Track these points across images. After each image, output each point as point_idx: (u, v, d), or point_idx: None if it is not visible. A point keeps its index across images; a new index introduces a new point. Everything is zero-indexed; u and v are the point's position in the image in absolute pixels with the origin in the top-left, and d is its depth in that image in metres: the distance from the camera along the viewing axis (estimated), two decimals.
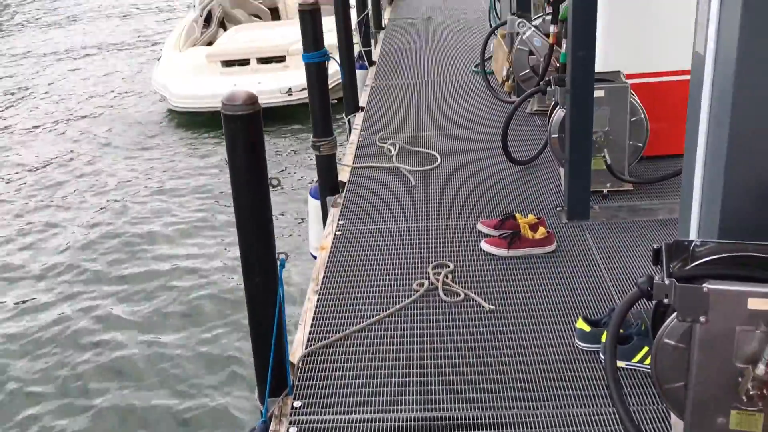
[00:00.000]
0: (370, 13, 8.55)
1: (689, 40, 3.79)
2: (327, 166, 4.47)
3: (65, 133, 9.57)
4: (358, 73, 6.84)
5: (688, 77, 2.20)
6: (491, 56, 6.37)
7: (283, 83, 8.26)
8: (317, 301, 3.29)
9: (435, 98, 6.18)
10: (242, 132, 2.18)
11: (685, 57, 4.05)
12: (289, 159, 8.12)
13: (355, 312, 3.17)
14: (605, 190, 3.95)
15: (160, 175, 7.90)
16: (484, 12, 8.70)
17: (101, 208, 7.25)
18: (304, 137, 8.26)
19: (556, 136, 3.94)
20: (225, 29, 10.99)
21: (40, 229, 6.91)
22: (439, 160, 4.76)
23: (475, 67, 6.83)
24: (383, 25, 9.35)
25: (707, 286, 1.76)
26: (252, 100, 2.24)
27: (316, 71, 4.21)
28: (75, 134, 9.45)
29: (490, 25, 7.63)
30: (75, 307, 5.51)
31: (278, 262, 2.44)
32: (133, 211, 7.08)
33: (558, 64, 4.72)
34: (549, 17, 4.88)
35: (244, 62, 9.07)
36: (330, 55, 4.29)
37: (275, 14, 11.76)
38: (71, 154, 8.80)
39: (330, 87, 4.50)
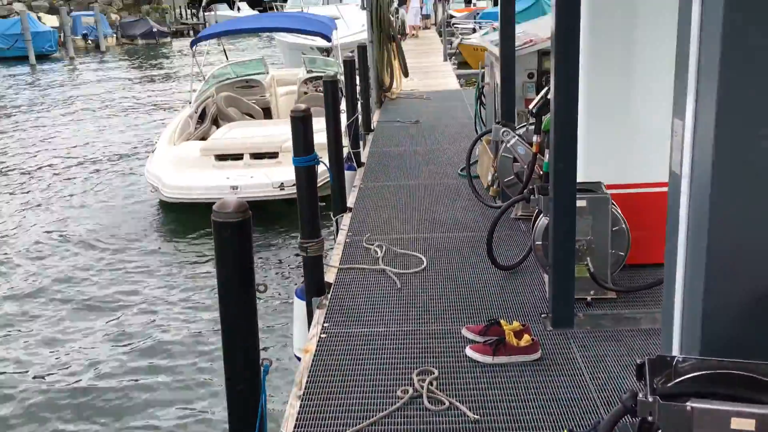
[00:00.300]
0: (360, 116, 8.84)
1: (668, 154, 3.93)
2: (313, 266, 4.49)
3: (55, 221, 9.60)
4: (347, 173, 7.01)
5: (666, 189, 2.28)
6: (477, 161, 6.55)
7: (276, 178, 8.38)
8: (300, 407, 3.23)
9: (421, 201, 6.30)
10: (231, 240, 2.22)
11: (664, 170, 4.19)
12: (276, 257, 8.14)
13: (338, 419, 3.11)
14: (589, 298, 3.99)
15: (144, 277, 7.85)
16: (470, 117, 9.03)
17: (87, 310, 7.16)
18: (292, 234, 8.32)
19: (540, 243, 4.01)
20: (218, 126, 11.24)
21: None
22: (425, 263, 4.80)
23: (461, 171, 7.00)
24: (372, 128, 9.63)
25: (691, 404, 1.76)
26: (242, 207, 2.29)
27: (305, 175, 4.30)
28: (59, 224, 9.48)
29: (476, 131, 7.91)
30: None
31: (262, 369, 2.42)
32: (113, 308, 7.01)
33: (541, 172, 4.86)
34: (532, 127, 5.07)
35: (237, 157, 9.23)
36: (320, 159, 4.40)
37: (267, 114, 12.08)
38: (58, 243, 8.78)
39: (319, 185, 4.58)
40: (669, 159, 2.34)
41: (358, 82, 8.89)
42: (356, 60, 8.93)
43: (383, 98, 11.49)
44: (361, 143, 8.51)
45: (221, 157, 9.18)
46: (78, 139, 15.05)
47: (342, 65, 11.13)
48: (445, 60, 18.03)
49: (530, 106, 4.86)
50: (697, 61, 2.09)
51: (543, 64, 5.75)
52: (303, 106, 4.27)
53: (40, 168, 12.70)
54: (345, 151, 7.27)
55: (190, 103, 10.76)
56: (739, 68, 1.87)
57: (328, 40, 9.82)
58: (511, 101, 5.72)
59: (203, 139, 10.32)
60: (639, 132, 4.16)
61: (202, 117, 11.14)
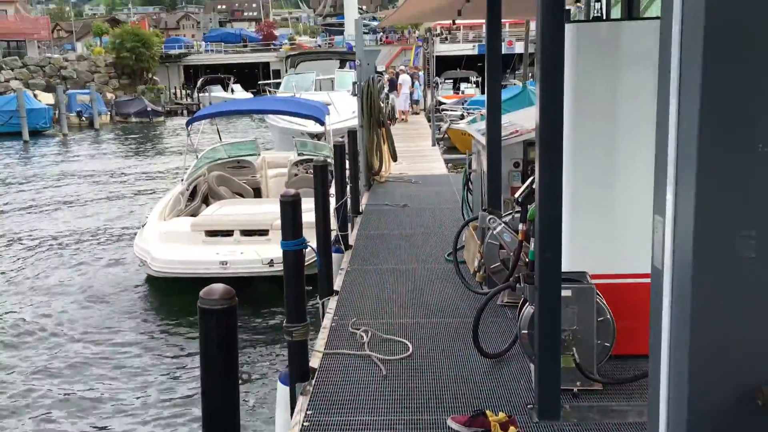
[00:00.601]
0: (349, 199, 8.94)
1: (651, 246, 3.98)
2: (298, 351, 4.44)
3: (40, 296, 9.49)
4: (334, 256, 7.03)
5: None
6: (464, 246, 6.60)
7: (265, 255, 8.36)
8: None
9: (408, 285, 6.30)
10: (217, 328, 2.21)
11: (648, 261, 4.25)
12: (262, 337, 8.04)
13: None
14: (575, 389, 3.95)
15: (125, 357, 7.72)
16: (457, 202, 9.13)
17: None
18: (279, 313, 8.25)
19: (526, 332, 4.01)
20: (208, 205, 11.31)
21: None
22: (410, 350, 4.77)
23: (448, 256, 7.04)
24: (361, 210, 9.72)
25: None
26: (229, 294, 2.29)
27: (293, 259, 4.32)
28: (43, 300, 9.36)
29: (463, 216, 8.01)
30: None
31: None
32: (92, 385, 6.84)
33: (527, 260, 4.91)
34: (518, 215, 5.14)
35: (227, 233, 9.23)
36: (308, 243, 4.43)
37: (257, 194, 12.18)
38: (40, 320, 8.65)
39: (306, 263, 4.58)
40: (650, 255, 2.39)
41: (347, 165, 9.05)
42: (346, 144, 9.12)
43: (372, 181, 11.65)
44: (349, 225, 8.57)
45: (211, 233, 9.18)
46: (67, 214, 15.08)
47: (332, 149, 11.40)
48: (434, 145, 18.40)
49: (516, 195, 4.95)
50: (675, 158, 2.16)
51: (529, 154, 5.90)
52: (293, 190, 4.34)
53: (27, 242, 12.65)
54: (333, 233, 7.32)
55: (182, 180, 10.85)
56: (717, 166, 1.94)
57: (322, 123, 10.05)
58: (497, 189, 5.83)
59: (194, 215, 10.36)
60: (622, 223, 4.24)
61: (193, 195, 11.22)
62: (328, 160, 8.29)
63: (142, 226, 9.67)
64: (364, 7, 66.64)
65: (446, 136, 22.33)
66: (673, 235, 2.18)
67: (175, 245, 8.85)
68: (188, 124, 10.65)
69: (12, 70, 48.21)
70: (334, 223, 7.52)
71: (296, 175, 11.98)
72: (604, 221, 4.28)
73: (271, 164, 13.04)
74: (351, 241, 8.09)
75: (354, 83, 11.17)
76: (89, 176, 20.61)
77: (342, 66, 22.85)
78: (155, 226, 9.36)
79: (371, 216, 9.39)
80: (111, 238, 12.65)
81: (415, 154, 16.30)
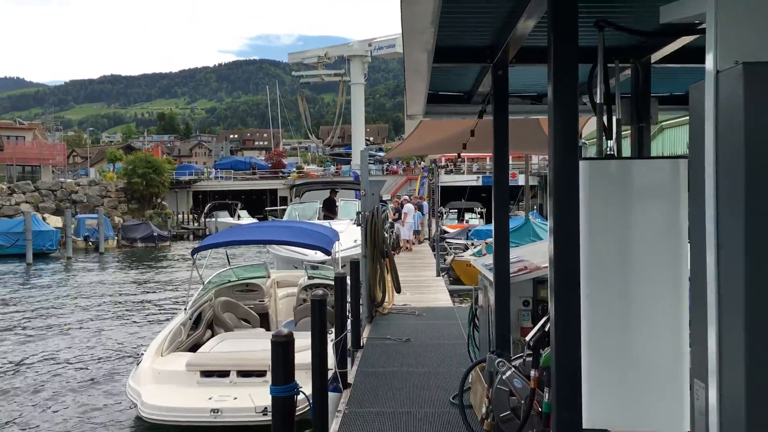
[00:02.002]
0: (349, 333, 8.55)
1: (677, 400, 3.59)
2: None
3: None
4: (331, 396, 6.56)
5: None
6: (470, 387, 6.16)
7: (260, 401, 7.86)
8: None
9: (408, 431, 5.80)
10: None
11: (673, 417, 3.83)
12: None
13: None
14: None
15: None
16: (463, 338, 8.72)
17: None
18: None
19: None
20: (213, 332, 10.92)
21: None
22: None
23: (453, 398, 6.57)
24: (361, 344, 9.29)
25: None
26: None
27: (282, 406, 3.92)
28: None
29: (469, 354, 7.57)
30: None
31: None
32: None
33: (540, 409, 4.47)
34: (530, 359, 4.76)
35: (224, 373, 8.80)
36: (300, 389, 4.05)
37: (264, 320, 11.80)
38: None
39: (298, 412, 4.17)
40: (688, 419, 2.05)
41: (349, 298, 8.74)
42: (348, 275, 8.85)
43: (374, 313, 11.28)
44: (349, 361, 8.13)
45: (207, 373, 8.75)
46: (61, 342, 14.59)
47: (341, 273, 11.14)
48: (438, 275, 18.14)
49: (527, 338, 4.60)
50: (717, 315, 1.88)
51: (539, 292, 5.60)
52: (285, 330, 4.01)
53: (16, 369, 12.11)
54: (331, 371, 6.90)
55: (185, 309, 10.52)
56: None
57: (328, 253, 9.85)
58: (505, 329, 5.48)
59: (195, 346, 9.95)
60: (647, 374, 3.86)
61: (197, 322, 10.86)
62: (329, 294, 7.98)
63: (137, 364, 9.24)
64: (371, 138, 68.90)
65: (451, 267, 22.13)
66: (719, 405, 1.85)
67: (167, 387, 8.41)
68: (193, 253, 10.46)
69: (24, 193, 49.13)
70: (332, 360, 7.11)
71: (305, 300, 11.67)
72: (625, 372, 3.90)
73: (282, 284, 12.75)
74: (350, 378, 7.63)
75: (358, 213, 11.07)
76: (86, 301, 20.26)
77: (333, 194, 23.06)
78: (150, 364, 8.95)
79: (372, 351, 8.96)
80: (105, 369, 12.12)
81: (419, 285, 16.00)
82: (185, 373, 8.66)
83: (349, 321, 8.65)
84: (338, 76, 65.74)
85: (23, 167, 60.49)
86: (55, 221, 41.69)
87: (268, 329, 11.25)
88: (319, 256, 11.53)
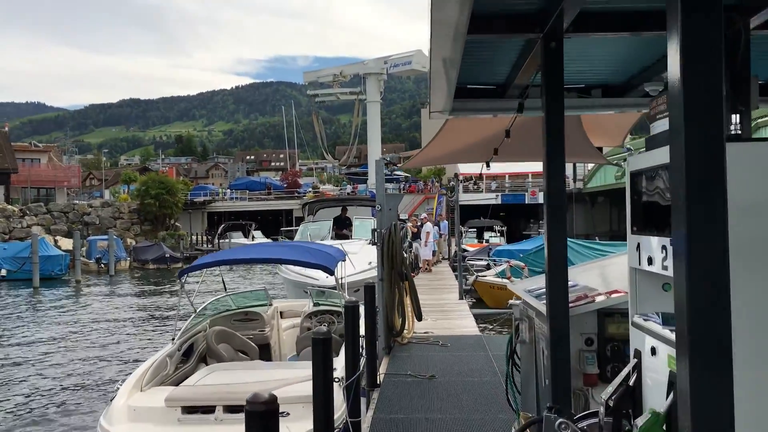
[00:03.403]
0: (364, 369, 7.30)
1: None
2: None
3: None
4: None
5: None
6: None
7: None
8: None
9: None
10: None
11: None
12: None
13: None
14: None
15: None
16: (496, 374, 7.43)
17: None
18: None
19: None
20: (207, 364, 9.66)
21: None
22: None
23: None
24: (378, 382, 8.01)
25: None
26: None
27: None
28: None
29: (507, 399, 6.26)
30: None
31: None
32: None
33: None
34: (607, 421, 3.49)
35: (209, 409, 7.52)
36: None
37: (265, 351, 10.50)
38: None
39: None
40: None
41: (363, 330, 7.49)
42: (362, 302, 7.61)
43: (393, 343, 10.01)
44: (363, 403, 6.87)
45: (189, 409, 7.46)
46: (48, 371, 13.43)
47: (352, 301, 9.85)
48: (461, 298, 16.82)
49: (605, 396, 3.33)
50: None
51: (606, 328, 4.31)
52: (266, 395, 2.77)
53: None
54: (341, 419, 5.65)
55: (173, 340, 9.25)
56: None
57: (330, 273, 8.59)
58: (565, 378, 4.21)
59: (184, 380, 8.68)
60: None
61: (189, 354, 9.59)
62: (336, 322, 6.75)
63: (111, 399, 7.99)
64: (388, 158, 67.93)
65: (473, 288, 20.81)
66: None
67: (143, 427, 7.13)
68: (181, 275, 9.20)
69: (35, 216, 48.48)
70: (342, 406, 5.86)
71: (308, 329, 10.42)
72: None
73: (287, 314, 11.51)
74: (364, 427, 6.36)
75: (373, 230, 9.83)
76: (88, 327, 19.16)
77: (344, 212, 21.81)
78: (125, 400, 7.68)
79: (391, 391, 7.67)
80: (83, 405, 10.93)
81: (442, 309, 14.70)
82: (165, 410, 7.37)
83: (362, 359, 7.40)
84: (354, 94, 65.06)
85: (38, 190, 60.17)
86: (66, 244, 40.88)
87: (268, 362, 10.00)
88: (330, 280, 10.28)
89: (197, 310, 9.83)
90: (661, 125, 3.21)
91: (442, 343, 10.27)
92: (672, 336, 2.88)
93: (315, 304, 10.54)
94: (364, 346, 7.92)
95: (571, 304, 4.35)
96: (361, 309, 8.83)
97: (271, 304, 10.83)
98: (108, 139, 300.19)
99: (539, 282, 5.96)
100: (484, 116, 7.01)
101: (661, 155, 3.00)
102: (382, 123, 77.08)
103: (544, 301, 4.93)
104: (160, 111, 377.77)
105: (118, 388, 8.35)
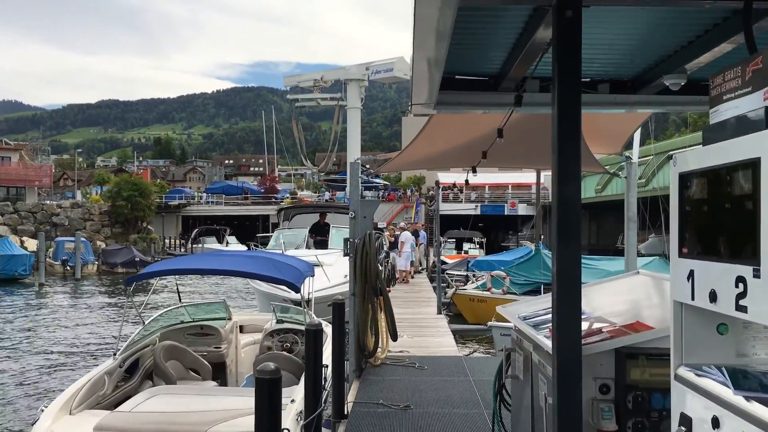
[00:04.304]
0: (328, 400, 6.36)
1: None
2: None
3: None
4: None
5: None
6: None
7: None
8: None
9: None
10: None
11: None
12: None
13: None
14: None
15: None
16: (478, 402, 6.52)
17: None
18: None
19: None
20: (153, 383, 8.63)
21: None
22: None
23: None
24: (345, 413, 7.06)
25: None
26: None
27: None
28: None
29: None
30: None
31: None
32: None
33: None
34: None
35: None
36: None
37: (219, 370, 9.48)
38: None
39: None
40: None
41: (330, 354, 6.55)
42: (329, 322, 6.67)
43: (364, 365, 9.06)
44: None
45: None
46: None
47: (314, 324, 8.91)
48: (439, 312, 15.91)
49: None
50: None
51: (628, 372, 3.43)
52: None
53: None
54: None
55: (114, 355, 8.20)
56: None
57: (296, 290, 7.65)
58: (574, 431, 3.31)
59: (126, 399, 7.65)
60: None
61: (131, 371, 8.55)
62: (300, 342, 5.79)
63: (32, 424, 6.95)
64: (368, 166, 67.09)
65: (452, 302, 19.93)
66: None
67: None
68: (128, 283, 8.16)
69: (2, 215, 46.82)
70: None
71: (269, 348, 9.44)
72: None
73: (248, 328, 10.51)
74: None
75: (346, 240, 8.90)
76: (35, 333, 17.94)
77: (322, 218, 20.86)
78: (48, 425, 6.64)
79: (359, 423, 6.73)
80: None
81: (419, 325, 13.79)
82: None
83: (328, 383, 6.46)
84: (334, 100, 64.30)
85: (7, 189, 58.31)
86: (33, 245, 39.36)
87: (222, 383, 8.99)
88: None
89: (146, 322, 8.81)
90: (728, 109, 2.35)
91: (418, 365, 9.35)
92: (755, 410, 2.00)
93: (278, 321, 9.57)
94: (330, 373, 6.98)
95: (583, 342, 3.46)
96: (329, 329, 7.91)
97: (230, 318, 9.82)
98: (86, 139, 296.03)
99: (536, 306, 5.07)
100: (473, 112, 6.14)
101: (736, 149, 2.13)
102: (363, 131, 76.13)
103: (545, 333, 4.05)
104: (139, 113, 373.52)
105: (43, 410, 7.28)
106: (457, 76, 5.47)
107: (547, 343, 3.66)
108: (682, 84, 4.84)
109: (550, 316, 4.18)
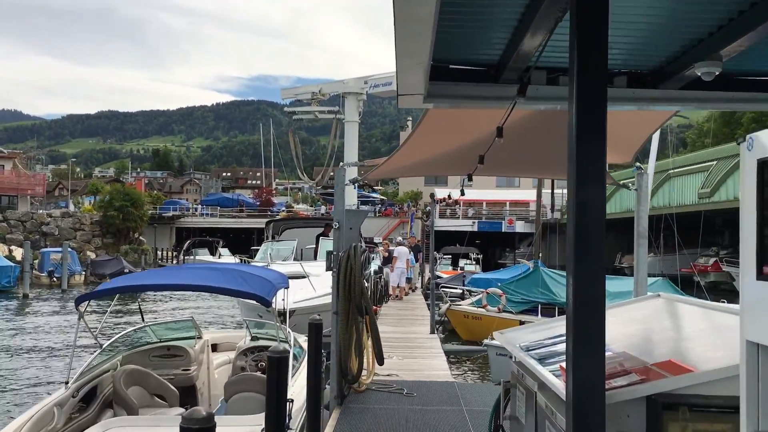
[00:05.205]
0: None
1: None
2: None
3: None
4: None
5: None
6: None
7: None
8: None
9: None
10: None
11: None
12: None
13: None
14: None
15: None
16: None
17: None
18: None
19: None
20: (114, 412, 7.79)
21: None
22: None
23: None
24: None
25: None
26: None
27: None
28: None
29: None
30: None
31: None
32: None
33: None
34: None
35: None
36: None
37: (188, 394, 8.64)
38: None
39: None
40: None
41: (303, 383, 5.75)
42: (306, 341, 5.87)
43: (347, 391, 8.25)
44: None
45: None
46: None
47: (291, 338, 8.13)
48: (433, 332, 15.09)
49: None
50: None
51: (664, 427, 2.64)
52: None
53: None
54: None
55: (66, 384, 7.34)
56: None
57: (266, 304, 6.86)
58: None
59: None
60: None
61: (88, 400, 7.68)
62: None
63: None
64: (363, 172, 66.37)
65: (445, 318, 19.12)
66: None
67: None
68: (78, 302, 7.31)
69: None
70: None
71: (242, 369, 8.64)
72: None
73: (222, 347, 9.72)
74: None
75: (329, 253, 8.12)
76: (8, 347, 17.09)
77: (328, 230, 20.15)
78: None
79: None
80: None
81: (410, 345, 12.98)
82: None
83: (299, 418, 5.65)
84: (332, 113, 63.88)
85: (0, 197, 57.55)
86: (21, 254, 38.52)
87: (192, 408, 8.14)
88: (289, 305, 8.53)
89: (103, 345, 7.98)
90: None
91: (407, 392, 8.54)
92: None
93: (253, 338, 8.77)
94: (305, 401, 6.18)
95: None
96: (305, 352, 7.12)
97: (200, 337, 9.01)
98: (84, 150, 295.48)
99: (539, 332, 4.29)
100: (470, 106, 5.40)
101: None
102: (362, 146, 75.43)
103: (554, 368, 3.27)
104: (138, 124, 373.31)
105: None
106: (451, 66, 4.75)
107: (558, 385, 2.88)
108: (717, 74, 4.10)
109: (558, 347, 3.40)
